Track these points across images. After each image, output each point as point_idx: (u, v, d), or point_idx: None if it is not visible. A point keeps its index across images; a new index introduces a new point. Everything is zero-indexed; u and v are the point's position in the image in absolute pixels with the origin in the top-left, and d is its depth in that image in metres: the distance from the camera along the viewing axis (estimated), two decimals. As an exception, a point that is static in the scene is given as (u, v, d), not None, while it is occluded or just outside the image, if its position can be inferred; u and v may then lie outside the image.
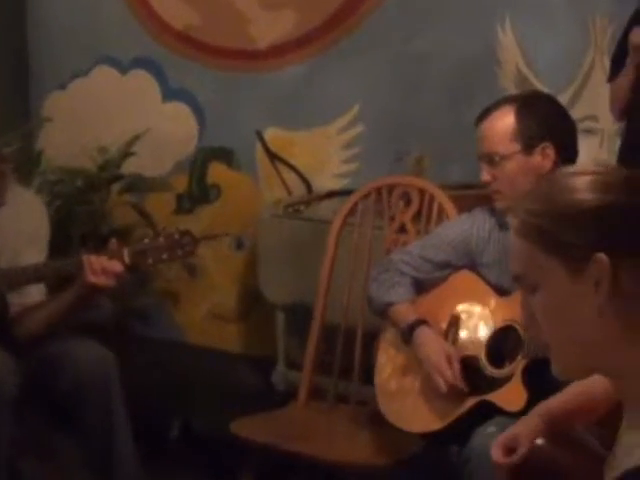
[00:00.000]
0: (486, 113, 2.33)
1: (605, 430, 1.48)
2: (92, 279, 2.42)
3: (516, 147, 2.28)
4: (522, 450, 1.54)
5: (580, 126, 3.00)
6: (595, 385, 1.55)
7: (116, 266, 2.43)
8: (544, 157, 2.27)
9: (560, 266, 1.27)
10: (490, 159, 2.31)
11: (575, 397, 1.66)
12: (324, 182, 3.44)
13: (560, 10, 3.07)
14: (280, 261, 3.27)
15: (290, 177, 3.49)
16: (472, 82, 3.14)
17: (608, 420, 1.50)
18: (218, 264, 3.70)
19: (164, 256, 2.47)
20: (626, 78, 2.72)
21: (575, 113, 3.00)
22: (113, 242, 2.47)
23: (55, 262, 2.58)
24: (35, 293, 2.65)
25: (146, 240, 2.48)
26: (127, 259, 2.44)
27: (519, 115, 2.29)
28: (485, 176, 2.32)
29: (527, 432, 1.58)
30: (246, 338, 3.69)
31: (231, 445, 2.59)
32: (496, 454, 1.58)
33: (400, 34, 3.29)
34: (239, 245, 3.66)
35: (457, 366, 2.29)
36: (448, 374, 2.29)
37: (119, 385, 2.60)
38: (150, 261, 2.46)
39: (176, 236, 2.47)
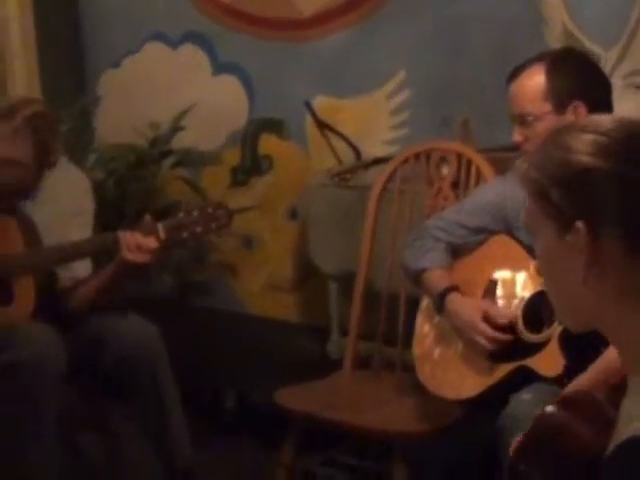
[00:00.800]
0: (516, 72, 2.28)
1: (616, 395, 1.44)
2: (128, 256, 2.45)
3: (547, 107, 2.23)
4: None
5: (629, 81, 2.91)
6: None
7: (151, 242, 2.45)
8: (577, 116, 2.21)
9: (550, 227, 1.23)
10: (522, 120, 2.27)
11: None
12: (373, 149, 3.40)
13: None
14: (329, 230, 3.25)
15: (340, 145, 3.46)
16: (518, 42, 3.06)
17: (620, 385, 1.47)
18: (273, 234, 3.71)
19: (199, 230, 2.48)
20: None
21: (624, 68, 2.92)
22: (148, 217, 2.49)
23: (93, 239, 2.62)
24: (82, 268, 2.70)
25: (180, 214, 2.49)
26: (162, 234, 2.46)
27: (549, 74, 2.23)
28: (517, 137, 2.28)
29: None
30: (303, 308, 3.69)
31: (282, 415, 2.62)
32: None
33: (443, -4, 3.24)
34: (293, 215, 3.66)
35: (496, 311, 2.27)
36: (488, 330, 2.26)
37: (166, 359, 2.64)
38: (185, 235, 2.48)
39: (210, 209, 2.48)
